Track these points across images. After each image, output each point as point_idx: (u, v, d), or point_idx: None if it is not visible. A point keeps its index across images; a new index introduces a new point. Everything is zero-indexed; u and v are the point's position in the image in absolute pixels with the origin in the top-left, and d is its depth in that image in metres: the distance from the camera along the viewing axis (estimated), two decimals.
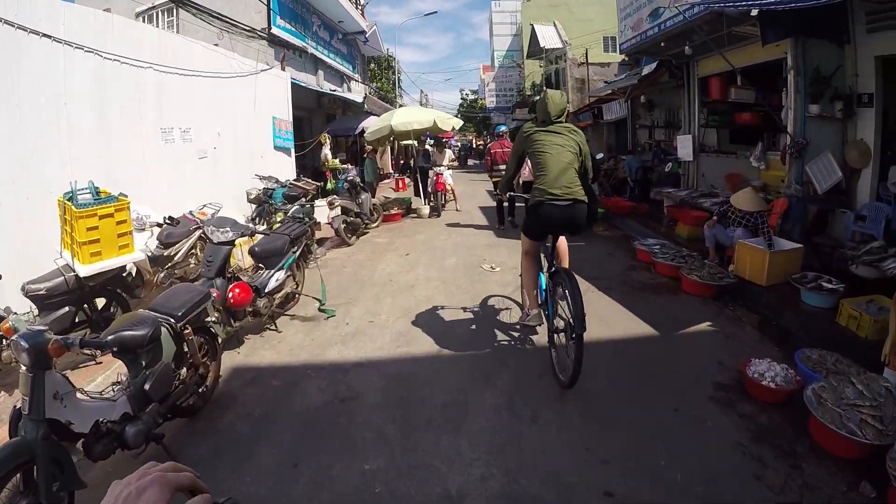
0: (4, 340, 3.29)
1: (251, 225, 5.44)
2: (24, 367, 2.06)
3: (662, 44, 7.60)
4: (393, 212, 10.18)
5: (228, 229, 3.93)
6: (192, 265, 5.02)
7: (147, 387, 2.53)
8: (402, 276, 6.03)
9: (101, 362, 3.79)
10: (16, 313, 3.57)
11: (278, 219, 6.53)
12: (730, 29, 5.92)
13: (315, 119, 14.71)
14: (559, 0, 26.70)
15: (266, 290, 4.18)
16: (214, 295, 3.50)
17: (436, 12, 46.47)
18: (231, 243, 3.95)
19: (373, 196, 10.21)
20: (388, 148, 17.80)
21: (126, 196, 4.03)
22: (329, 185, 11.14)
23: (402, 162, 19.15)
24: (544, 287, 3.62)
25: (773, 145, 7.08)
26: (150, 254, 4.69)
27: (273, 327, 4.39)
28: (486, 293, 5.20)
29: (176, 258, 4.90)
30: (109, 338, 2.40)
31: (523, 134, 3.48)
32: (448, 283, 5.62)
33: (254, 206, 7.30)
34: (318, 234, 7.83)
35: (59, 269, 3.71)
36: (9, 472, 1.96)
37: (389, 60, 26.83)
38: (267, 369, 3.70)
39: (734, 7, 4.99)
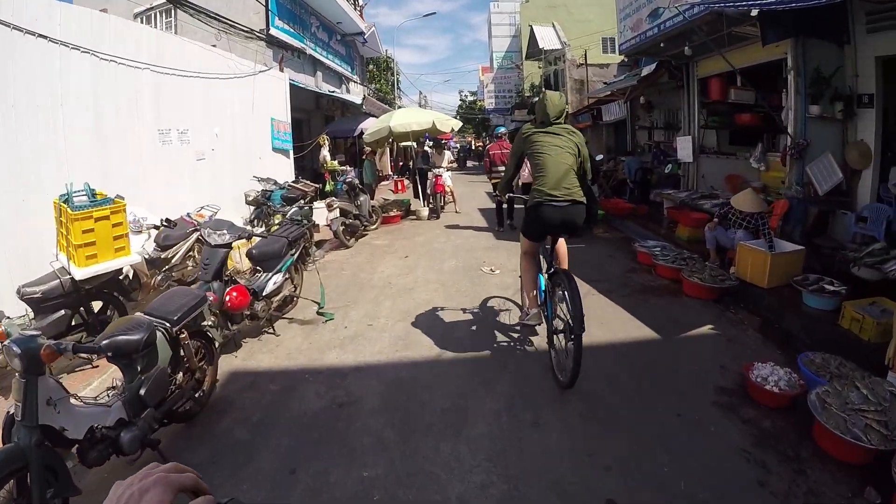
0: None
1: (249, 227, 5.41)
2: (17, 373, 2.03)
3: (662, 44, 7.58)
4: (392, 214, 10.15)
5: (225, 232, 3.90)
6: (189, 268, 4.98)
7: (142, 392, 2.51)
8: (402, 278, 6.00)
9: (97, 366, 3.76)
10: (9, 317, 3.54)
11: (276, 221, 6.50)
12: (730, 29, 5.90)
13: (314, 120, 14.69)
14: (558, 1, 26.70)
15: (264, 293, 4.14)
16: (211, 298, 3.46)
17: (434, 13, 46.65)
18: (228, 246, 3.91)
19: (372, 198, 10.18)
20: (388, 149, 17.78)
21: (122, 198, 4.00)
22: (328, 187, 11.12)
23: (401, 163, 19.13)
24: (543, 288, 3.62)
25: (772, 146, 7.06)
26: (147, 256, 4.66)
27: (271, 331, 4.35)
28: (486, 296, 5.17)
29: (173, 261, 4.86)
30: (104, 343, 2.37)
31: (522, 135, 3.48)
32: (447, 286, 5.59)
33: (252, 207, 7.27)
34: (316, 237, 7.81)
35: (55, 272, 3.67)
36: (2, 478, 1.93)
37: (388, 62, 26.83)
38: (265, 373, 3.67)
39: (734, 7, 4.97)
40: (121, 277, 4.19)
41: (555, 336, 3.42)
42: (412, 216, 10.58)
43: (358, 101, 14.27)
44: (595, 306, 4.68)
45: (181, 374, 2.92)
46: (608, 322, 4.32)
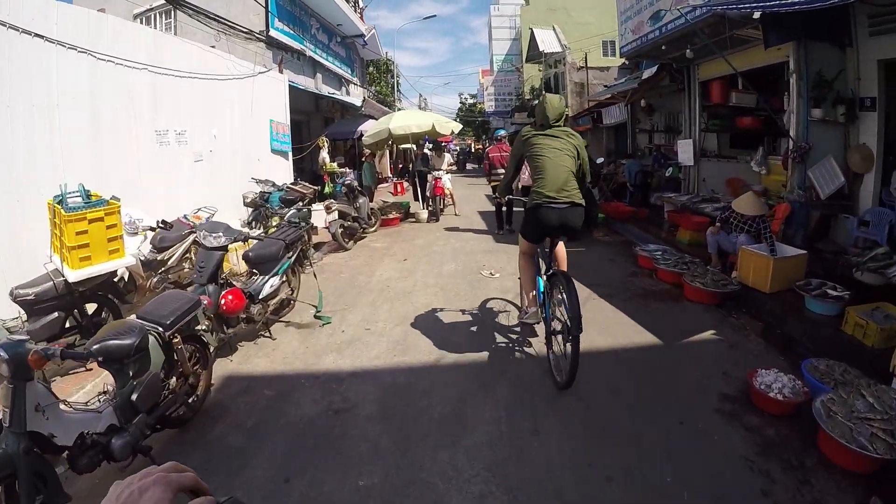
0: None
1: (245, 229, 5.36)
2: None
3: (663, 47, 7.56)
4: (391, 216, 10.11)
5: (221, 234, 3.85)
6: (186, 270, 4.94)
7: (134, 397, 2.46)
8: (400, 281, 5.95)
9: (90, 369, 3.70)
10: (2, 319, 3.49)
11: (274, 223, 6.45)
12: (731, 32, 5.87)
13: (313, 122, 14.66)
14: (558, 4, 26.74)
15: (260, 297, 4.10)
16: (205, 302, 3.42)
17: (435, 16, 46.85)
18: (224, 248, 3.87)
19: (371, 200, 10.14)
20: (387, 152, 17.76)
21: (118, 199, 3.96)
22: (327, 189, 11.07)
23: (400, 166, 19.10)
24: (542, 290, 3.63)
25: (773, 150, 7.03)
26: (143, 258, 4.62)
27: (267, 334, 4.30)
28: (485, 300, 5.12)
29: (170, 263, 4.82)
30: (94, 347, 2.32)
31: (522, 138, 3.51)
32: (447, 290, 5.54)
33: (250, 209, 7.22)
34: (315, 239, 7.77)
35: (49, 274, 3.62)
36: None
37: (388, 64, 26.84)
38: (260, 378, 3.61)
39: (736, 9, 4.94)
40: (115, 279, 4.15)
41: (553, 337, 3.42)
42: (411, 219, 10.54)
43: (358, 103, 14.25)
44: (595, 311, 4.63)
45: (174, 378, 2.87)
46: (609, 327, 4.27)
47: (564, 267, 3.62)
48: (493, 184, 8.86)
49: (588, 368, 3.36)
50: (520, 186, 7.60)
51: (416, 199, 11.24)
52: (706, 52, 6.89)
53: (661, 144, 11.08)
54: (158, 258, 4.75)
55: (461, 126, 14.21)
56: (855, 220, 5.18)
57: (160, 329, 2.68)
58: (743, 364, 3.49)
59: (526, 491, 2.35)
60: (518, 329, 4.30)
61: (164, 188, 6.03)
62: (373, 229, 9.19)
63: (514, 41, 34.83)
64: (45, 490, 2.04)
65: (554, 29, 21.96)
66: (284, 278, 4.54)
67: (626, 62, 12.32)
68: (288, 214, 6.38)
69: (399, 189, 14.31)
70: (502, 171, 7.79)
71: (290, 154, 9.83)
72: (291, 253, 4.63)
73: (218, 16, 9.41)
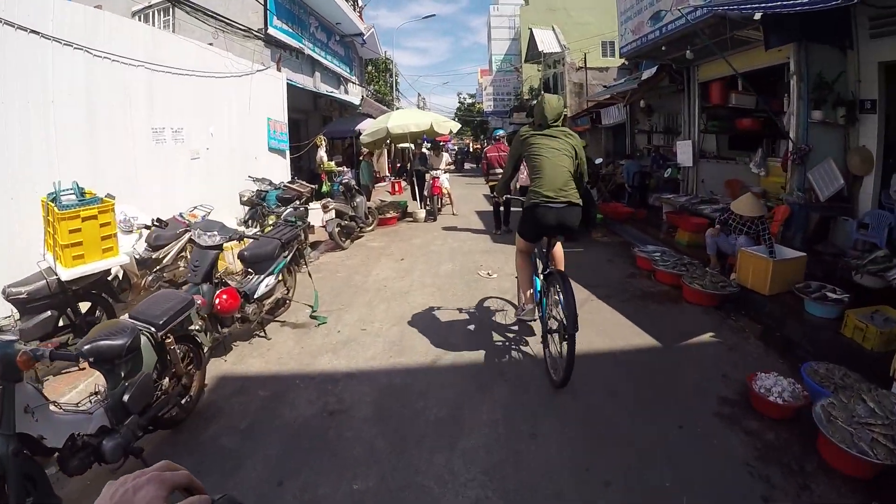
0: None
1: (240, 228, 5.32)
2: None
3: (663, 48, 7.53)
4: (388, 215, 10.07)
5: (216, 233, 3.81)
6: (181, 268, 4.89)
7: (126, 398, 2.42)
8: (397, 281, 5.92)
9: (83, 368, 3.64)
10: None
11: (271, 222, 6.41)
12: (732, 33, 5.85)
13: (311, 121, 14.61)
14: (558, 4, 26.76)
15: (255, 296, 4.05)
16: (199, 302, 3.37)
17: (434, 15, 46.76)
18: (218, 247, 3.83)
19: (368, 199, 10.10)
20: (385, 151, 17.71)
21: (113, 197, 3.91)
22: (324, 188, 11.03)
23: (398, 165, 19.06)
24: (539, 289, 3.63)
25: (772, 151, 7.01)
26: (137, 257, 4.57)
27: (262, 334, 4.26)
28: (482, 299, 5.09)
29: (165, 261, 4.78)
30: (85, 348, 2.28)
31: (520, 137, 3.52)
32: (444, 290, 5.51)
33: (246, 208, 7.18)
34: (311, 238, 7.73)
35: (42, 272, 3.57)
36: None
37: (387, 63, 26.79)
38: (254, 378, 3.57)
39: (738, 10, 4.92)
40: (109, 278, 4.10)
41: (549, 336, 3.42)
42: (409, 218, 10.50)
43: (356, 102, 14.20)
44: (594, 312, 4.61)
45: (167, 379, 2.84)
46: (607, 328, 4.25)
47: (561, 266, 3.62)
48: (491, 183, 8.84)
49: (586, 370, 3.34)
50: (518, 186, 7.57)
51: (414, 198, 11.21)
52: (706, 52, 6.87)
53: (659, 145, 11.08)
54: (153, 257, 4.70)
55: (459, 125, 14.18)
56: (854, 222, 5.17)
57: (152, 329, 2.64)
58: (742, 367, 3.47)
59: (523, 495, 2.32)
60: (516, 328, 4.28)
61: (160, 186, 5.98)
62: (370, 228, 9.15)
63: (513, 41, 34.86)
64: (35, 492, 1.99)
65: (553, 29, 21.97)
66: (280, 277, 4.50)
67: (626, 63, 12.33)
68: (284, 213, 6.34)
69: (397, 188, 14.27)
70: (500, 170, 7.75)
71: (288, 152, 9.77)
72: (287, 252, 4.59)
73: (216, 13, 9.37)
